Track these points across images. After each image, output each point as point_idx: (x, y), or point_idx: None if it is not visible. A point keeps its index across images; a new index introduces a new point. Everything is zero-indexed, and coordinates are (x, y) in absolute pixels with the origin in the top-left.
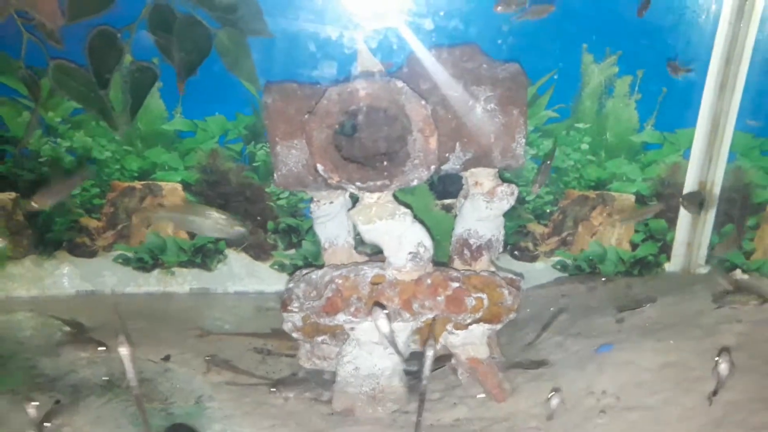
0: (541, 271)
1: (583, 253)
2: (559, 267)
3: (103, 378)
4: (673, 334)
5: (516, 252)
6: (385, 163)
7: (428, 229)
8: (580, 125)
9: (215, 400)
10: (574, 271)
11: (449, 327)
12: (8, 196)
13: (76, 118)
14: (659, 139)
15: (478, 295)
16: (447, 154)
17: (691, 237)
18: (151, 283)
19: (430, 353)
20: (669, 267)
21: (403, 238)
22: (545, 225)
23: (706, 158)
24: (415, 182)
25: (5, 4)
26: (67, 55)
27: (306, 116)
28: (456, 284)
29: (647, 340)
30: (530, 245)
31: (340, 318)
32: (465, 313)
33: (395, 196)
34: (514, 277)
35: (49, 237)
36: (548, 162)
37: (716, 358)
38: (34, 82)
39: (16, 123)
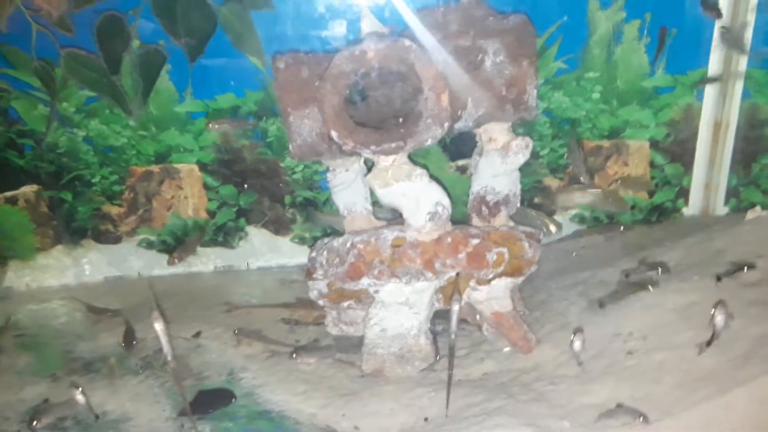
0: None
1: None
2: (577, 220)
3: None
4: (695, 274)
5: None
6: (399, 122)
7: (445, 188)
8: (590, 74)
9: (248, 371)
10: (592, 223)
11: (472, 283)
12: (31, 188)
13: (90, 106)
14: (671, 82)
15: (499, 249)
16: (459, 112)
17: (708, 178)
18: (176, 264)
19: (456, 308)
20: (687, 211)
21: (420, 198)
22: (561, 178)
23: (719, 98)
24: (429, 141)
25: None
26: (75, 43)
27: (316, 84)
28: (476, 240)
29: (670, 281)
30: (547, 200)
31: (364, 282)
32: (487, 268)
33: (410, 158)
34: (533, 230)
35: (74, 226)
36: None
37: (713, 310)
38: (48, 74)
39: (32, 116)
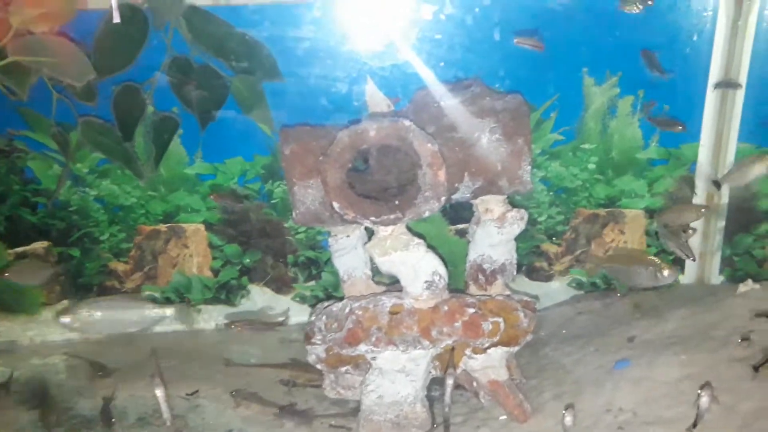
0: (557, 290)
1: None
2: (574, 285)
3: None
4: (688, 347)
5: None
6: (396, 199)
7: (442, 258)
8: (586, 146)
9: None
10: (590, 288)
11: (468, 351)
12: (42, 245)
13: (102, 167)
14: (664, 154)
15: (495, 319)
16: (456, 185)
17: (703, 248)
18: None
19: (450, 381)
20: (683, 279)
21: (418, 267)
22: (558, 244)
23: (712, 170)
24: (426, 214)
25: (33, 73)
26: (92, 109)
27: (320, 158)
28: (472, 310)
29: (663, 354)
30: (545, 265)
31: (362, 348)
32: (482, 337)
33: (408, 227)
34: (528, 299)
35: (80, 282)
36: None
37: (698, 392)
38: (64, 138)
39: (47, 176)
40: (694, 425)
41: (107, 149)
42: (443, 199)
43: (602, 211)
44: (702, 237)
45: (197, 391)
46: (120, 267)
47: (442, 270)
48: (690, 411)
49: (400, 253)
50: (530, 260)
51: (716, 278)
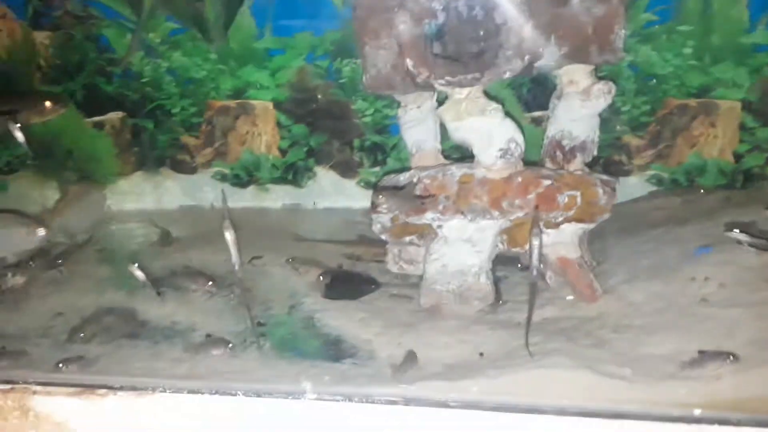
0: (634, 185)
1: (680, 166)
2: (654, 181)
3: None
4: None
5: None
6: (477, 54)
7: (520, 126)
8: (683, 27)
9: (310, 296)
10: (670, 186)
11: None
12: (117, 115)
13: (174, 38)
14: None
15: (571, 192)
16: (540, 49)
17: None
18: (247, 198)
19: (536, 242)
20: None
21: (493, 134)
22: (641, 137)
23: None
24: (507, 74)
25: None
26: None
27: (395, 9)
28: (548, 182)
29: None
30: (624, 159)
31: (428, 216)
32: (557, 210)
33: (485, 93)
34: (609, 178)
35: (154, 154)
36: None
37: None
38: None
39: (122, 44)
40: None
41: (177, 9)
42: (527, 58)
43: (693, 102)
44: None
45: (262, 256)
46: (191, 141)
47: (519, 138)
48: None
49: (475, 118)
50: (609, 153)
51: None
